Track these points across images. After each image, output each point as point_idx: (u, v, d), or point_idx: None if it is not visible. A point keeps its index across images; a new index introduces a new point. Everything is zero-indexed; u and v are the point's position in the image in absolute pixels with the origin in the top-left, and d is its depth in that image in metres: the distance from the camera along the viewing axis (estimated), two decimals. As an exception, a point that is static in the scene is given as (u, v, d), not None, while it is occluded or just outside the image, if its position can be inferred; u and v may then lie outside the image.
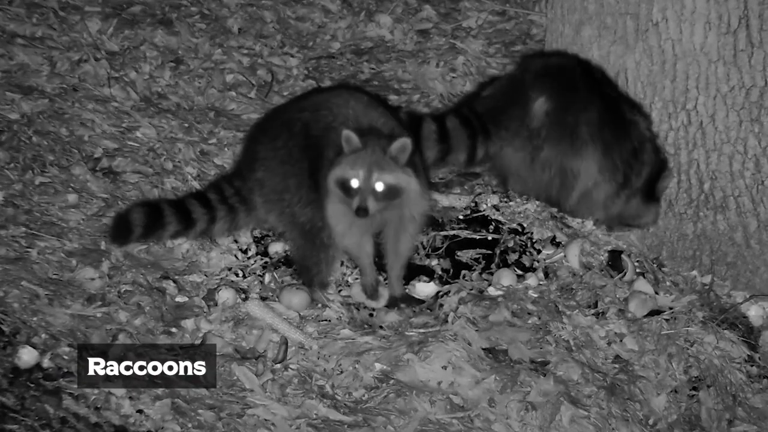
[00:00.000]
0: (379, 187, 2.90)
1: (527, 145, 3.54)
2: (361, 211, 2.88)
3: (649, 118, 3.48)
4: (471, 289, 3.25)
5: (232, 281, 3.21)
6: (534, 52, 4.00)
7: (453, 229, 3.57)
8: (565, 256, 3.45)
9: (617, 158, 3.43)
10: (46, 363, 2.70)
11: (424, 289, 3.29)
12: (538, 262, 3.45)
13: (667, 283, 3.43)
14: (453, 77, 4.58)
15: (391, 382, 2.84)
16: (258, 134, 3.28)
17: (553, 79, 3.50)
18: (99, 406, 2.63)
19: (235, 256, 3.34)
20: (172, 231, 3.16)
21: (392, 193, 2.93)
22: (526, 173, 3.60)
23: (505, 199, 3.74)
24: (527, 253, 3.49)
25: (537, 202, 3.70)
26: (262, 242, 3.42)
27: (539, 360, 2.96)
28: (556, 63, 3.60)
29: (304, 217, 3.12)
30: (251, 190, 3.21)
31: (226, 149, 3.82)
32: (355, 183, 2.89)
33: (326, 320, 3.09)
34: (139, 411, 2.65)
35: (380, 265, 3.34)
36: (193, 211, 3.14)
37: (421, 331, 3.04)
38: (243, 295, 3.14)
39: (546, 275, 3.37)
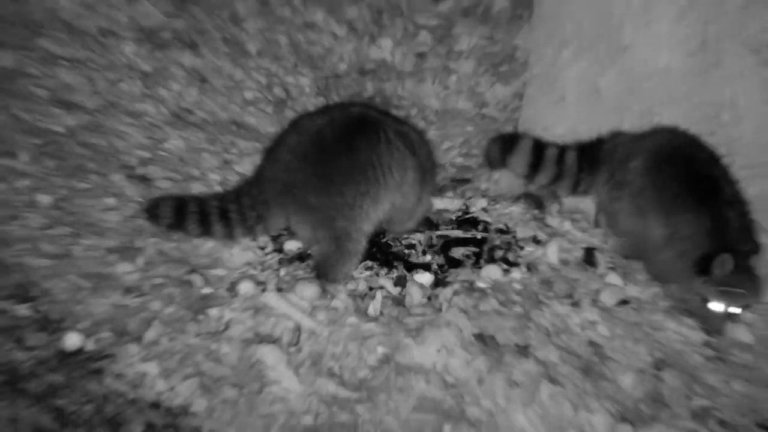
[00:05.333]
0: None
1: (609, 182, 3.49)
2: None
3: (747, 203, 3.23)
4: (463, 282, 3.30)
5: (251, 275, 3.27)
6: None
7: (446, 229, 3.66)
8: (545, 252, 3.53)
9: (685, 236, 3.22)
10: (89, 346, 2.79)
11: (421, 278, 3.33)
12: (521, 258, 3.50)
13: (636, 277, 3.45)
14: (446, 94, 4.74)
15: (392, 363, 2.89)
16: (334, 161, 3.08)
17: (658, 150, 3.36)
18: (136, 384, 2.71)
19: (254, 252, 3.40)
20: (194, 235, 3.19)
21: None
22: (609, 209, 3.53)
23: (493, 203, 3.83)
24: (512, 250, 3.55)
25: (521, 206, 3.78)
26: (278, 240, 3.47)
27: (522, 344, 3.00)
28: (670, 140, 3.39)
29: (342, 227, 3.13)
30: (280, 213, 3.14)
31: (245, 158, 3.91)
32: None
33: (334, 309, 3.13)
34: (171, 388, 2.72)
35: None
36: (212, 224, 3.12)
37: (419, 319, 3.07)
38: (261, 287, 3.19)
39: (528, 269, 3.43)
